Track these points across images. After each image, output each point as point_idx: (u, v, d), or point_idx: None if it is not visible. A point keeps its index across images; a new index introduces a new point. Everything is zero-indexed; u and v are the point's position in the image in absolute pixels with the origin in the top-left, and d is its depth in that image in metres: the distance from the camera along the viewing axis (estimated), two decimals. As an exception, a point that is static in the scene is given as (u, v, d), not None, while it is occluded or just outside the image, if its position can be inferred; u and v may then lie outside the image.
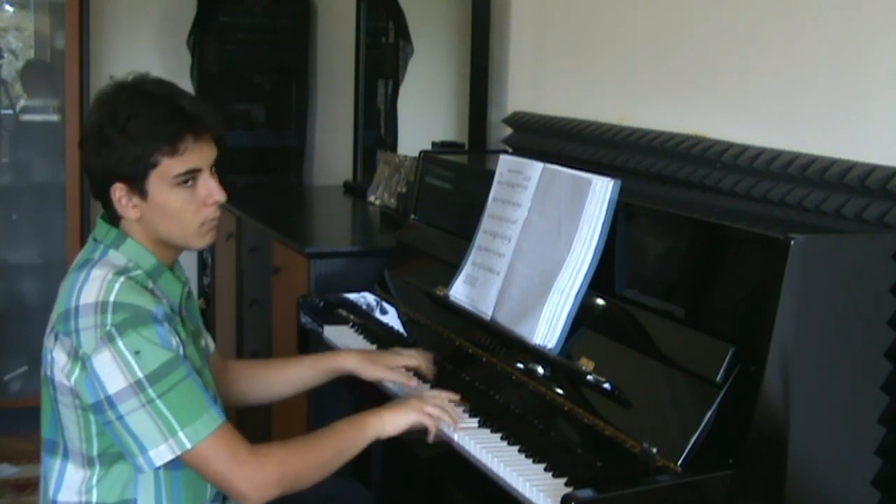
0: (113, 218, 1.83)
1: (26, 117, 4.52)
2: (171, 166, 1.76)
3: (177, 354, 1.72)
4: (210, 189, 1.80)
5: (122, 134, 1.73)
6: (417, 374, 2.20)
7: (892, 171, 1.87)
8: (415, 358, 2.21)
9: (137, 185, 1.76)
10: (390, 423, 1.89)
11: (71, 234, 4.17)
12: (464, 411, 1.99)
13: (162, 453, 1.69)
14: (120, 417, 1.68)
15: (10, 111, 4.49)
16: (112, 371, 1.67)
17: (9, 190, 4.43)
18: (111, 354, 1.67)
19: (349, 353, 2.23)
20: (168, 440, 1.68)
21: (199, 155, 1.78)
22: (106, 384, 1.67)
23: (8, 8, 4.51)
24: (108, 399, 1.67)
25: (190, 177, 1.78)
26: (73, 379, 1.70)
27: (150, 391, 1.67)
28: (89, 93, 4.12)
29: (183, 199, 1.78)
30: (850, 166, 1.95)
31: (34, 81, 4.53)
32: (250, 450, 1.75)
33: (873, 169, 1.91)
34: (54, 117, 4.41)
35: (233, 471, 1.72)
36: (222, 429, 1.72)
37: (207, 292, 4.69)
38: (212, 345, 2.07)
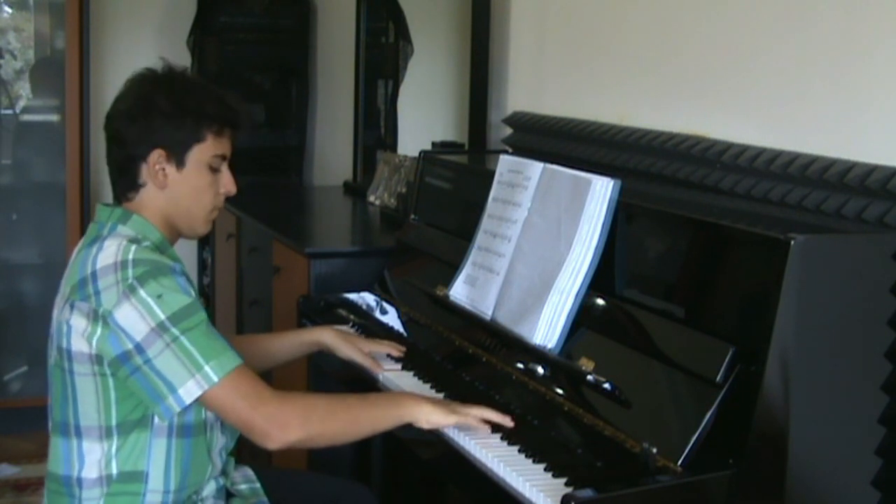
0: (128, 190, 1.89)
1: (26, 117, 4.52)
2: (212, 146, 1.90)
3: (196, 301, 1.78)
4: (228, 179, 1.95)
5: (177, 105, 1.86)
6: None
7: (892, 171, 1.87)
8: (385, 346, 2.33)
9: (178, 155, 1.87)
10: (426, 414, 1.88)
11: (71, 234, 4.16)
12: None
13: (191, 390, 1.72)
14: (147, 361, 1.72)
15: (10, 111, 4.49)
16: (135, 320, 1.72)
17: (9, 190, 4.43)
18: (132, 305, 1.73)
19: (327, 330, 2.34)
20: (195, 375, 1.72)
21: (230, 145, 1.94)
22: (132, 333, 1.72)
23: (7, 8, 4.50)
24: (136, 346, 1.72)
25: (220, 162, 1.92)
26: (94, 340, 1.74)
27: (173, 330, 1.72)
28: (89, 93, 4.12)
29: (208, 180, 1.91)
30: (850, 166, 1.95)
31: (34, 81, 4.53)
32: (273, 391, 1.78)
33: (873, 169, 1.91)
34: (54, 117, 4.41)
35: (256, 408, 1.74)
36: (244, 367, 1.77)
37: (207, 292, 4.68)
38: None
